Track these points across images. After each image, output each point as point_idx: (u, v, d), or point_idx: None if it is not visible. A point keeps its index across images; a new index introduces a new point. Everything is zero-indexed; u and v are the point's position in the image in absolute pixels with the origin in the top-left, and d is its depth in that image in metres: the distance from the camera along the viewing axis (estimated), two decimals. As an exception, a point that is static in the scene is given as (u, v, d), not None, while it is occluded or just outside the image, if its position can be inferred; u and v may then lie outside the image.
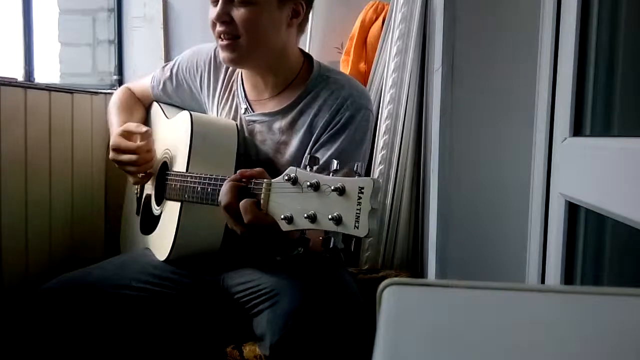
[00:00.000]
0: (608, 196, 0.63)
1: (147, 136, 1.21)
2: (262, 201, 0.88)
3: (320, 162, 1.09)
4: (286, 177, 0.84)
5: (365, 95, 1.20)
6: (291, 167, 0.85)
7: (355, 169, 0.81)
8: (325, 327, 0.93)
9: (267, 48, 1.15)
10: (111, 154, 1.23)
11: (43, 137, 1.44)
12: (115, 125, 1.32)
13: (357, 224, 0.76)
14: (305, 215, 0.80)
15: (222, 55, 1.15)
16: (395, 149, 1.58)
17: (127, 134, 1.23)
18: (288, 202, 0.84)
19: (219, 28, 1.12)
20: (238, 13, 1.10)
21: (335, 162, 0.82)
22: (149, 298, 1.09)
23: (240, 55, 1.14)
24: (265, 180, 0.89)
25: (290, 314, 0.93)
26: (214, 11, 1.12)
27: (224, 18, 1.11)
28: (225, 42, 1.13)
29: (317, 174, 0.81)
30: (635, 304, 0.37)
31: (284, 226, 0.83)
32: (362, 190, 0.76)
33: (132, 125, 1.23)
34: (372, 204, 0.75)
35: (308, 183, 0.80)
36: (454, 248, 1.00)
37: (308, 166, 0.83)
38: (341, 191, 0.77)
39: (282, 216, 0.83)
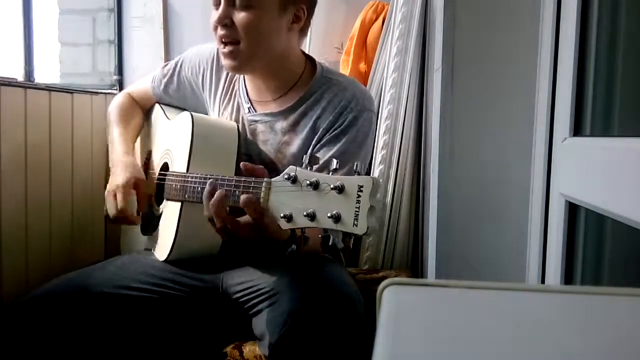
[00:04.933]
0: (608, 196, 0.63)
1: (131, 215, 1.20)
2: (261, 200, 0.88)
3: (321, 161, 1.09)
4: (286, 176, 0.84)
5: (369, 97, 1.20)
6: (291, 167, 0.85)
7: (355, 168, 0.81)
8: (324, 327, 0.92)
9: (267, 53, 1.15)
10: (109, 187, 1.22)
11: (43, 137, 1.44)
12: (115, 139, 1.31)
13: (355, 222, 0.76)
14: (305, 213, 0.80)
15: (224, 62, 1.16)
16: (395, 149, 1.58)
17: (135, 184, 1.21)
18: (288, 201, 0.84)
19: (219, 32, 1.13)
20: (239, 16, 1.10)
21: (335, 161, 0.82)
22: (149, 298, 1.09)
23: (241, 62, 1.14)
24: (265, 179, 0.89)
25: (290, 314, 0.93)
26: (215, 14, 1.12)
27: (225, 21, 1.11)
28: (226, 50, 1.13)
29: (316, 173, 0.81)
30: (635, 304, 0.37)
31: (284, 225, 0.84)
32: (362, 189, 0.76)
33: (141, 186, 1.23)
34: (371, 202, 0.76)
35: (308, 182, 0.81)
36: (453, 248, 1.00)
37: (308, 165, 0.83)
38: (340, 189, 0.77)
39: (282, 214, 0.83)
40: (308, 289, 0.98)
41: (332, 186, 0.78)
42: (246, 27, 1.10)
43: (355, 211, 0.76)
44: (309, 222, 0.80)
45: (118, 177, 1.22)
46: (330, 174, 0.81)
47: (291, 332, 0.92)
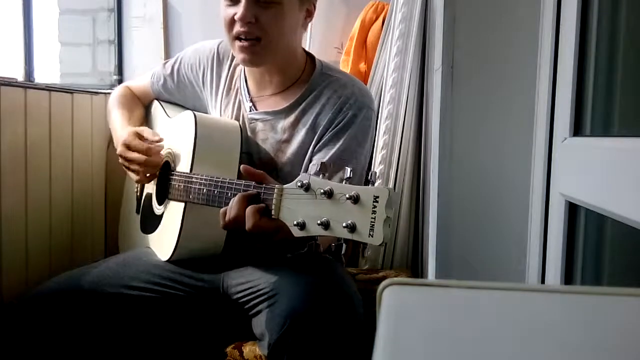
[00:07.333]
0: (608, 196, 0.63)
1: (157, 148, 1.22)
2: (273, 207, 0.88)
3: (324, 160, 1.10)
4: (299, 184, 0.84)
5: (368, 94, 1.20)
6: (303, 174, 0.85)
7: (369, 177, 0.82)
8: (324, 327, 0.93)
9: (285, 48, 1.15)
10: (120, 149, 1.23)
11: (43, 137, 1.44)
12: (119, 121, 1.32)
13: (371, 232, 0.76)
14: (319, 222, 0.80)
15: (241, 56, 1.14)
16: (395, 149, 1.58)
17: (139, 135, 1.22)
18: (300, 209, 0.84)
19: (240, 29, 1.10)
20: (264, 14, 1.09)
21: (348, 169, 0.82)
22: (150, 298, 1.09)
23: (260, 57, 1.13)
24: (277, 186, 0.89)
25: (289, 314, 0.93)
26: (232, 11, 1.10)
27: (250, 18, 1.09)
28: (245, 45, 1.11)
29: (330, 182, 0.82)
30: (635, 304, 0.37)
31: (296, 232, 0.83)
32: (377, 199, 0.76)
33: (148, 132, 1.23)
34: (387, 212, 0.76)
35: (322, 190, 0.81)
36: (454, 248, 1.00)
37: (320, 173, 0.83)
38: (355, 199, 0.77)
39: (295, 222, 0.83)
40: (307, 289, 0.98)
41: (347, 196, 0.78)
42: (271, 24, 1.10)
43: (371, 221, 0.76)
44: (323, 231, 0.80)
45: (121, 136, 1.24)
46: (344, 182, 0.81)
47: (290, 332, 0.92)
